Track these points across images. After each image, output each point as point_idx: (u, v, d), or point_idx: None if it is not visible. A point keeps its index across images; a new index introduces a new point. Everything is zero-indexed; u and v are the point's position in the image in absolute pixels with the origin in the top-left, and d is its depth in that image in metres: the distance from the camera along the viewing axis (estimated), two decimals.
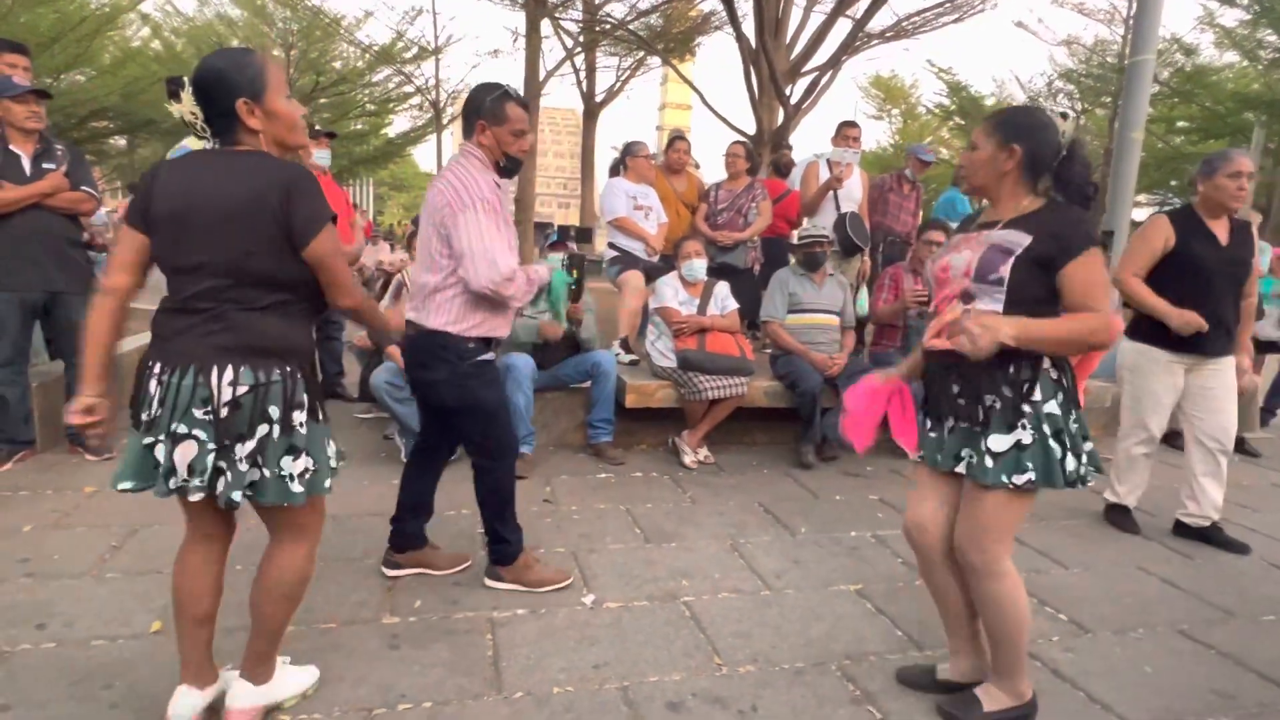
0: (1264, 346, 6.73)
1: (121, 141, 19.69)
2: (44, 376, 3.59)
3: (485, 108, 2.22)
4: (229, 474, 1.56)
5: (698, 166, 6.11)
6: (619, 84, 17.68)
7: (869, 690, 2.03)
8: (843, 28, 8.91)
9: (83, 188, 3.34)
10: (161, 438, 1.54)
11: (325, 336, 4.73)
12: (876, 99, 26.62)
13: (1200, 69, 16.26)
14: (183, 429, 1.53)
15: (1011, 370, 1.73)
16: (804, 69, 8.91)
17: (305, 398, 1.63)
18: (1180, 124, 17.46)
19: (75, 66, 14.45)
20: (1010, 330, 1.62)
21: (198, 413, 1.53)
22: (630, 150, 4.81)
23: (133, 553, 2.58)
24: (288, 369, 1.60)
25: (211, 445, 1.54)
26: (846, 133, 5.22)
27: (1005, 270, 1.73)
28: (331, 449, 1.70)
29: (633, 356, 4.44)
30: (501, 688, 1.96)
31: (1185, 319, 2.98)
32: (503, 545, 2.48)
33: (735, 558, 2.84)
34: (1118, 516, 3.42)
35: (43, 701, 1.79)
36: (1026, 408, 1.72)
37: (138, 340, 4.78)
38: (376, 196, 35.72)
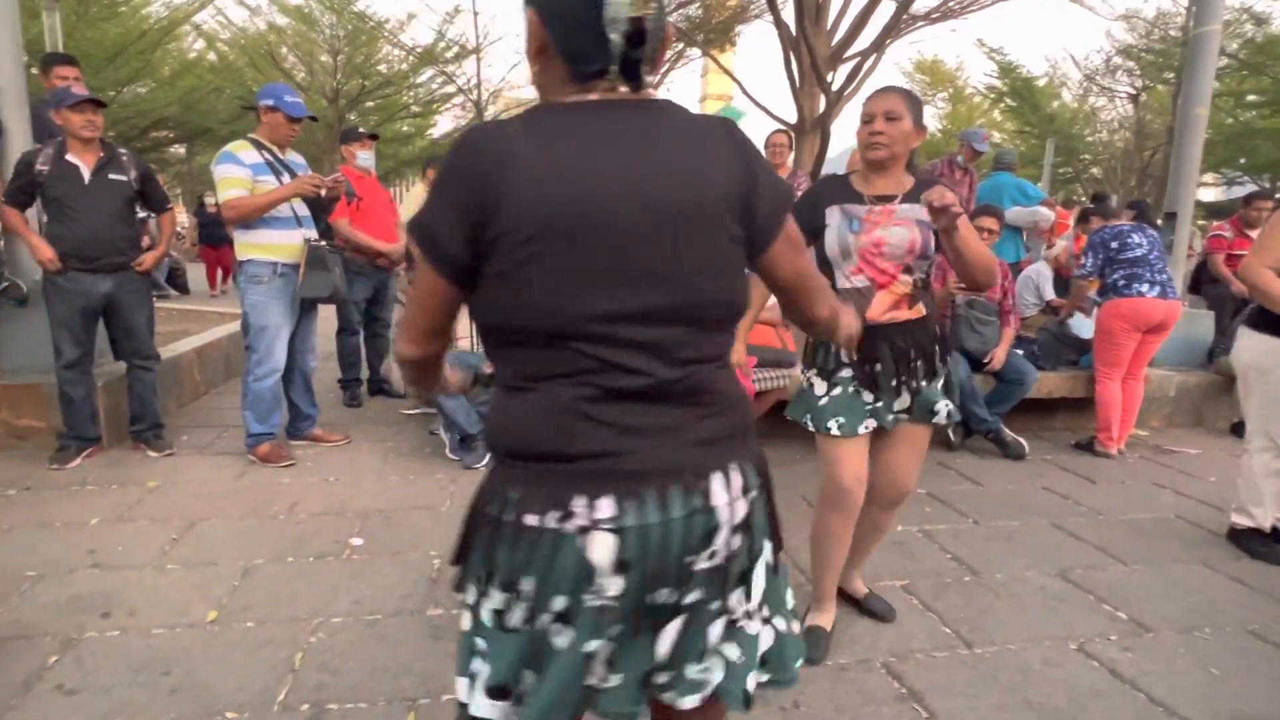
0: None
1: (181, 150, 20.46)
2: (108, 376, 3.75)
3: None
4: (726, 653, 0.98)
5: None
6: (660, 78, 17.63)
7: (915, 688, 1.98)
8: (886, 10, 8.69)
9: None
10: (618, 626, 0.90)
11: (371, 334, 4.84)
12: (921, 83, 25.97)
13: (1272, 39, 15.38)
14: (668, 597, 0.91)
15: (936, 330, 2.05)
16: (846, 54, 8.72)
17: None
18: (1251, 98, 16.56)
19: (137, 79, 15.07)
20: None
21: (698, 561, 0.91)
22: None
23: (191, 545, 2.68)
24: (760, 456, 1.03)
25: (717, 608, 0.95)
26: None
27: (932, 243, 1.96)
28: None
29: None
30: None
31: None
32: None
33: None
34: (1256, 544, 2.90)
35: (107, 686, 1.87)
36: (945, 360, 2.08)
37: (194, 341, 4.97)
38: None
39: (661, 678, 0.96)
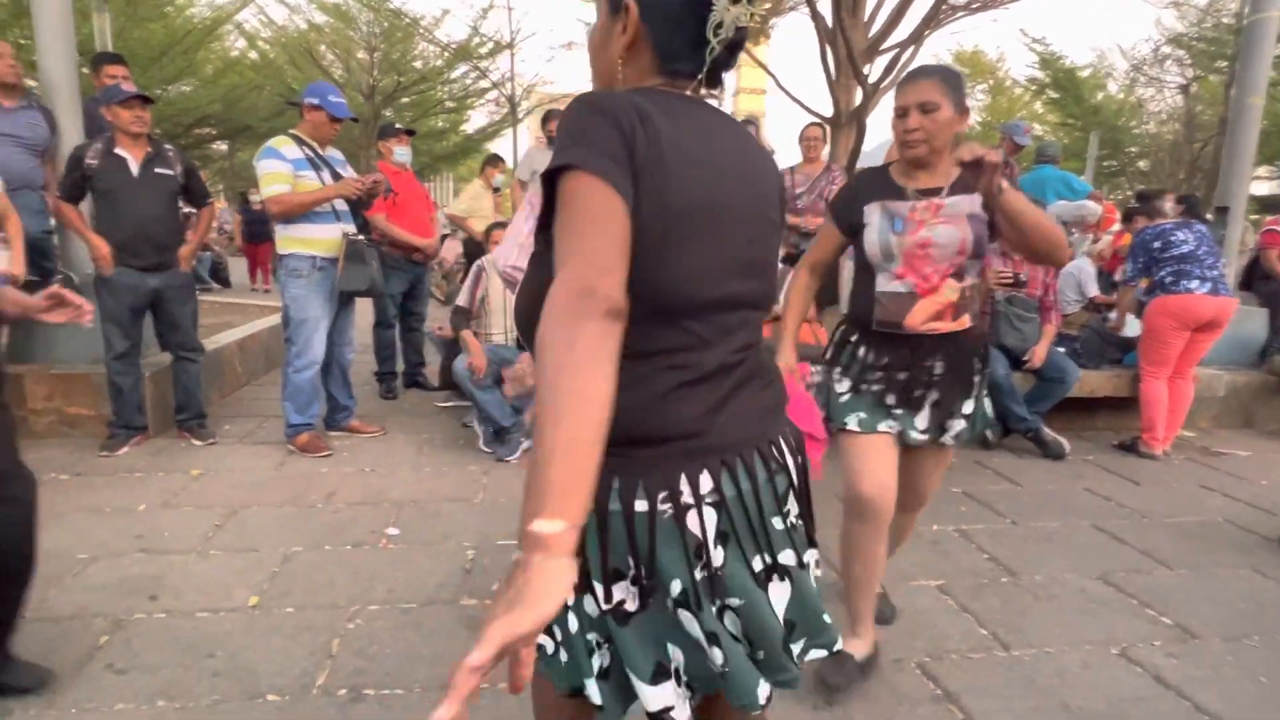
0: None
1: (223, 146, 20.92)
2: (154, 367, 3.86)
3: None
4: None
5: (773, 152, 6.02)
6: None
7: (950, 689, 1.95)
8: (925, 0, 8.51)
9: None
10: (732, 597, 0.91)
11: (407, 328, 4.90)
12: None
13: None
14: (762, 562, 0.94)
15: (979, 344, 1.90)
16: (883, 46, 8.57)
17: None
18: None
19: (181, 78, 15.42)
20: None
21: (779, 522, 0.96)
22: None
23: (233, 532, 2.75)
24: None
25: (803, 566, 0.99)
26: None
27: (985, 240, 1.79)
28: None
29: None
30: None
31: None
32: None
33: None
34: None
35: (154, 667, 1.93)
36: (984, 374, 1.93)
37: (236, 334, 5.09)
38: (456, 193, 36.66)
39: (797, 645, 0.99)
